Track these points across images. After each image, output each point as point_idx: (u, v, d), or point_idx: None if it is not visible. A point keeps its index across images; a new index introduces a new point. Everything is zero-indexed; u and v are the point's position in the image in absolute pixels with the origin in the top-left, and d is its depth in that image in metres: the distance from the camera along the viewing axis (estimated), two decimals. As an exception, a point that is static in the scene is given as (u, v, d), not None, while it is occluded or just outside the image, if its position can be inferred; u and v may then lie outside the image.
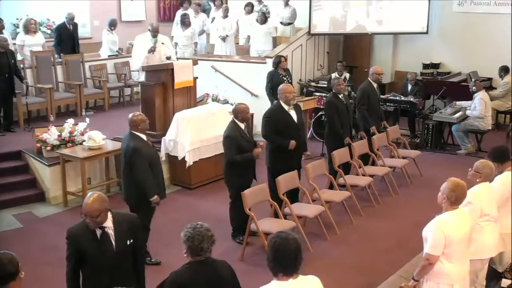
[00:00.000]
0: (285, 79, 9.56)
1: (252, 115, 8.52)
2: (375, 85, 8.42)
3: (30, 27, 10.34)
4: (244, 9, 12.39)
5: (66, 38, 11.19)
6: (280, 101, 6.75)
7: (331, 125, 7.77)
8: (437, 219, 4.20)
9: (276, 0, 12.70)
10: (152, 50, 8.94)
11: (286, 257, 3.20)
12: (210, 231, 3.58)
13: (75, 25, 11.50)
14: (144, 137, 5.88)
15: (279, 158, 6.71)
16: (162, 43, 9.16)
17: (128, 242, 4.02)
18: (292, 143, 6.56)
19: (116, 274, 3.97)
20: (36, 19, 11.00)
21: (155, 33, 9.09)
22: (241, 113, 6.35)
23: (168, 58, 9.10)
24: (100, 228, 3.93)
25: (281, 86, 6.90)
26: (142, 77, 9.06)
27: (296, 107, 6.87)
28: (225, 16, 12.15)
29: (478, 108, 9.57)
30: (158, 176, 5.95)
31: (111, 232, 3.96)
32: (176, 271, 3.59)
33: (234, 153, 6.25)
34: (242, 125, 6.39)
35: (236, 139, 6.27)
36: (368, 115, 8.29)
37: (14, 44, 10.43)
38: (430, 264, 4.17)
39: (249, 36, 11.94)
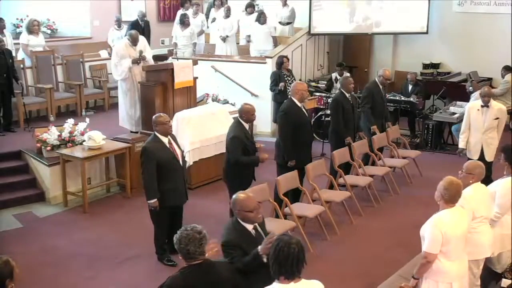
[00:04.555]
0: (289, 79, 9.57)
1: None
2: (380, 86, 8.45)
3: (33, 29, 10.32)
4: (246, 10, 12.39)
5: None
6: (293, 98, 6.76)
7: (334, 124, 7.78)
8: (434, 217, 4.23)
9: (274, 0, 12.71)
10: (137, 62, 8.62)
11: (287, 261, 3.18)
12: (201, 234, 3.54)
13: (147, 23, 11.91)
14: (165, 140, 5.83)
15: (295, 153, 6.70)
16: (141, 51, 8.71)
17: None
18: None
19: None
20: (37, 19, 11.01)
21: (135, 41, 8.70)
22: (246, 114, 6.29)
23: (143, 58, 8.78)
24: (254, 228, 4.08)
25: (296, 84, 6.96)
26: (124, 86, 8.77)
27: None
28: (227, 16, 12.15)
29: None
30: (174, 182, 5.89)
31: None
32: (172, 276, 3.57)
33: (240, 154, 6.21)
34: (247, 126, 6.37)
35: (243, 140, 6.24)
36: (371, 114, 8.32)
37: (16, 44, 10.42)
38: (428, 262, 4.19)
39: (249, 36, 11.94)
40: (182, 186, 6.05)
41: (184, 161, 6.30)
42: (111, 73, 11.50)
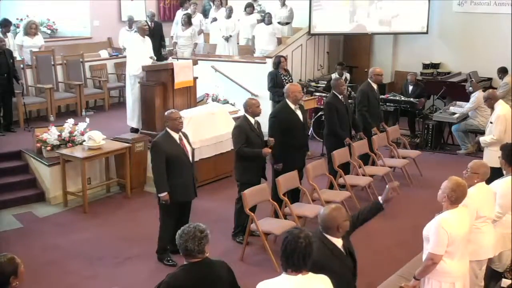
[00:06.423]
0: (286, 79, 9.57)
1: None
2: (375, 86, 8.40)
3: (29, 31, 10.31)
4: (245, 10, 12.39)
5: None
6: (287, 100, 6.73)
7: (330, 126, 7.76)
8: (438, 218, 4.20)
9: (273, 0, 12.71)
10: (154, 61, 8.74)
11: (295, 254, 3.22)
12: (203, 233, 3.54)
13: (157, 24, 11.68)
14: (175, 135, 5.90)
15: (284, 157, 6.69)
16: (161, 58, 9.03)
17: None
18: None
19: None
20: (36, 19, 10.99)
21: (143, 32, 8.82)
22: (250, 107, 6.38)
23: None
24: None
25: (289, 86, 6.89)
26: (135, 84, 8.82)
27: (300, 107, 6.87)
28: (229, 16, 12.13)
29: (469, 105, 9.58)
30: (183, 177, 5.91)
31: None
32: (172, 273, 3.60)
33: (242, 144, 6.26)
34: (253, 120, 6.42)
35: (245, 131, 6.29)
36: (368, 117, 8.29)
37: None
38: (434, 264, 4.16)
39: (254, 36, 11.93)
40: (190, 182, 6.06)
41: (193, 159, 6.31)
42: (111, 73, 11.59)
